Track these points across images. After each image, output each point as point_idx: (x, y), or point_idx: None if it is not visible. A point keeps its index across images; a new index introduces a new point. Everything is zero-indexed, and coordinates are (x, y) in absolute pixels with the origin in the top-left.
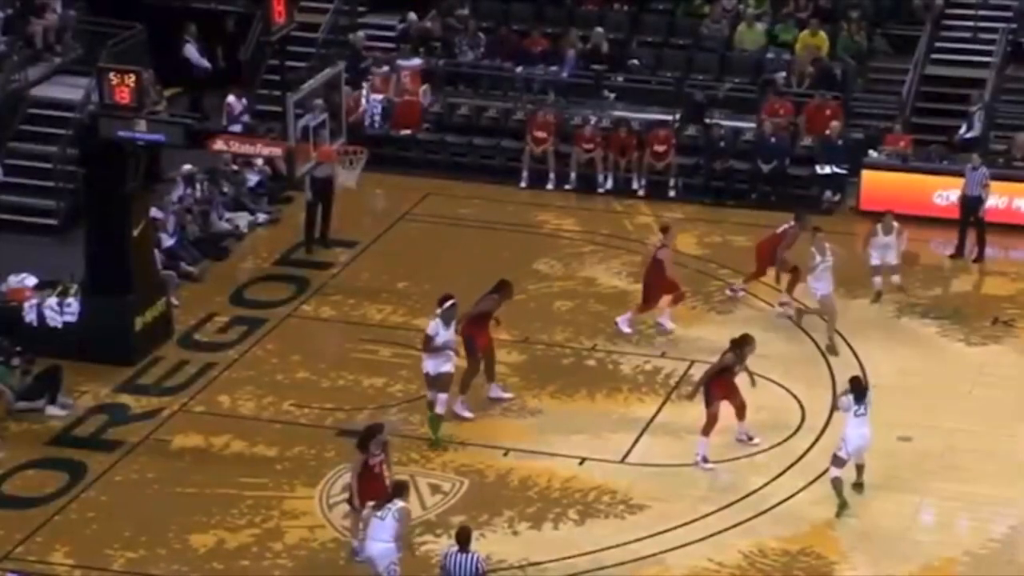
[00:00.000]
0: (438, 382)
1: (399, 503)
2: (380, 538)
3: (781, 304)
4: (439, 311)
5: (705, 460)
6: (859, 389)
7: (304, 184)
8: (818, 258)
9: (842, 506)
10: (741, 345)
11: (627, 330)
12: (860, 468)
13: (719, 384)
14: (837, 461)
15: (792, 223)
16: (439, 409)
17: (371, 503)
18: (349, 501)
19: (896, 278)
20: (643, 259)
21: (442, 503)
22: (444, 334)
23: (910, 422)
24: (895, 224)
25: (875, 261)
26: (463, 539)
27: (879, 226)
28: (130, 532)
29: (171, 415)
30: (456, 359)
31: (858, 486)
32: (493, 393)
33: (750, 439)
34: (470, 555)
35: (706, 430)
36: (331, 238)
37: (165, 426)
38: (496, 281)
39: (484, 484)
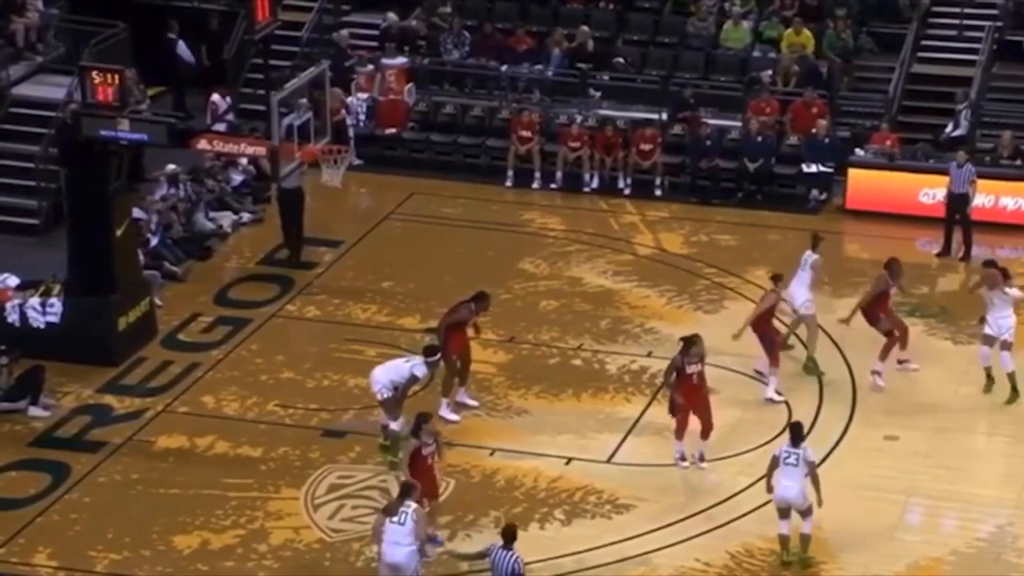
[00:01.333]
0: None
1: (412, 504)
2: (403, 542)
3: (900, 361)
4: (430, 360)
5: (683, 458)
6: (793, 435)
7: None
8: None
9: (784, 561)
10: (687, 344)
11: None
12: (805, 540)
13: (680, 389)
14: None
15: (883, 270)
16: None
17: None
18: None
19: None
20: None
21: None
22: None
23: (896, 421)
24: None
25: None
26: (508, 537)
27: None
28: (113, 533)
29: (155, 416)
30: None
31: (803, 561)
32: (460, 398)
33: (700, 458)
34: (511, 554)
35: (678, 434)
36: (312, 237)
37: (149, 427)
38: (479, 286)
39: (470, 484)
